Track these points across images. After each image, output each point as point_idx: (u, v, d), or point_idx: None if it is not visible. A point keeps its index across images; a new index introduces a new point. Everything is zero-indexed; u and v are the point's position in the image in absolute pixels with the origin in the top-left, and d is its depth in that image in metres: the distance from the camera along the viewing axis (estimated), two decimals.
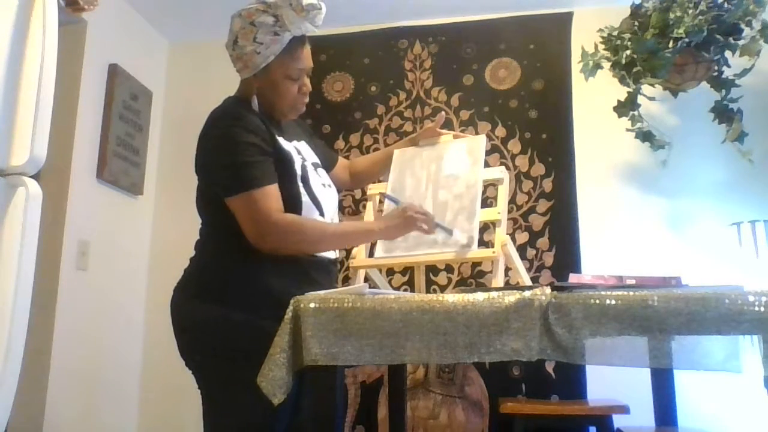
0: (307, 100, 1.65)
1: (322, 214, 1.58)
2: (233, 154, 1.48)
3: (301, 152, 1.64)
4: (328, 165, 1.85)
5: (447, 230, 1.65)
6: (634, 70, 2.36)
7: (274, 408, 1.34)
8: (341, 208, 2.93)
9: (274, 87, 1.58)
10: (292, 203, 1.52)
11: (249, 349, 1.40)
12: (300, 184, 1.54)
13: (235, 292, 1.48)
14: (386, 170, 1.96)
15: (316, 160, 1.71)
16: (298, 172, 1.55)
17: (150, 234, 3.07)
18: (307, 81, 1.63)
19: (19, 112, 1.29)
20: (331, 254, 1.63)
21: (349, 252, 2.83)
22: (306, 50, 1.59)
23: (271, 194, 1.47)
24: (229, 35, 1.57)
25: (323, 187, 1.62)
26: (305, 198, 1.53)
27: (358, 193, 2.93)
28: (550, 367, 2.62)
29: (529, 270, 2.68)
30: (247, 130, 1.50)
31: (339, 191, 2.55)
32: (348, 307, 1.28)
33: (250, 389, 1.35)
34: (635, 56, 2.37)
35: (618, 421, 2.16)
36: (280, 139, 1.57)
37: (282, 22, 1.51)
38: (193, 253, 1.61)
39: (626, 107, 2.53)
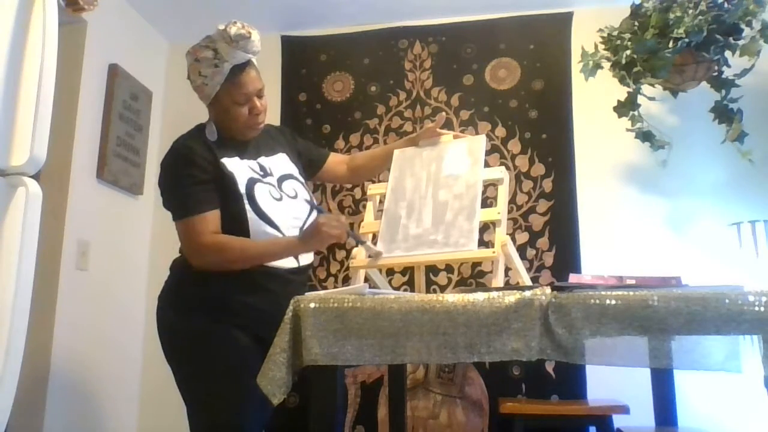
0: (262, 119, 1.78)
1: (274, 226, 1.69)
2: (174, 185, 1.71)
3: (265, 168, 1.77)
4: (314, 166, 2.00)
5: (360, 240, 1.76)
6: (634, 70, 2.36)
7: (237, 409, 1.59)
8: (342, 209, 2.94)
9: (226, 112, 1.73)
10: (239, 219, 1.67)
11: (200, 350, 1.64)
12: (245, 202, 1.67)
13: (193, 301, 1.67)
14: (385, 167, 1.98)
15: (290, 171, 1.83)
16: (243, 191, 1.67)
17: (150, 234, 3.07)
18: (258, 102, 1.75)
19: (19, 112, 1.29)
20: (288, 264, 1.72)
21: (349, 252, 2.83)
22: (248, 76, 1.71)
23: (205, 220, 1.65)
24: (187, 71, 1.75)
25: (276, 201, 1.72)
26: (251, 214, 1.67)
27: (358, 193, 2.93)
28: (550, 367, 2.62)
29: (529, 270, 2.67)
30: (188, 161, 1.68)
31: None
32: (348, 307, 1.29)
33: (211, 390, 1.61)
34: (635, 56, 2.36)
35: (618, 421, 2.16)
36: (229, 161, 1.71)
37: (220, 55, 1.66)
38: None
39: (626, 107, 2.52)
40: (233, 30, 1.64)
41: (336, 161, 2.06)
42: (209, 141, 1.73)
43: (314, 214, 1.80)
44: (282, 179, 1.79)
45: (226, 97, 1.71)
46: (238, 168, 1.71)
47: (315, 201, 1.85)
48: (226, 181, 1.68)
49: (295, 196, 1.78)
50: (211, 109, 1.77)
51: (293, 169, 1.86)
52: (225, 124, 1.76)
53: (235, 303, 1.66)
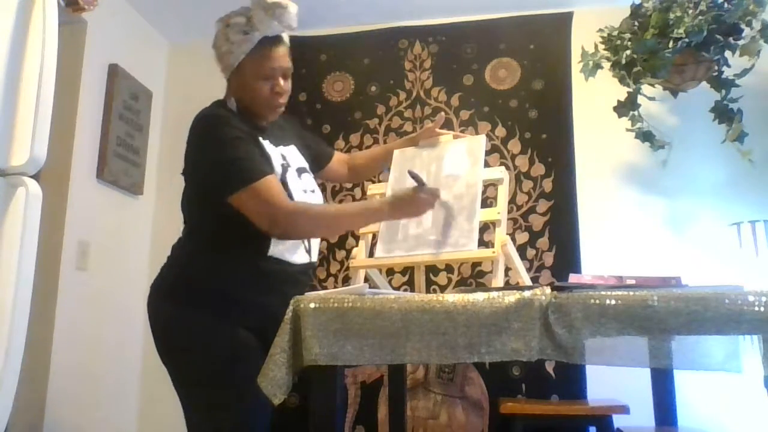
0: (283, 101, 1.65)
1: None
2: (224, 151, 1.51)
3: (286, 158, 1.65)
4: (321, 162, 1.90)
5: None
6: (634, 70, 2.36)
7: (247, 416, 1.48)
8: None
9: (247, 87, 1.60)
10: None
11: (204, 350, 1.50)
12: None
13: (198, 293, 1.53)
14: (385, 167, 1.97)
15: (303, 164, 1.73)
16: (278, 175, 1.56)
17: (150, 234, 3.08)
18: (282, 82, 1.62)
19: (19, 112, 1.29)
20: (301, 259, 1.62)
21: (349, 252, 2.83)
22: (279, 51, 1.60)
23: (273, 183, 1.50)
24: (214, 38, 1.64)
25: (304, 193, 1.63)
26: None
27: (358, 193, 2.93)
28: (550, 367, 2.62)
29: (529, 270, 2.67)
30: (231, 126, 1.54)
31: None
32: (348, 307, 1.28)
33: (215, 395, 1.49)
34: (635, 56, 2.36)
35: (618, 421, 2.16)
36: (264, 142, 1.60)
37: (252, 23, 1.55)
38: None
39: (626, 107, 2.53)
40: None
41: (339, 161, 1.99)
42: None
43: None
44: (300, 172, 1.68)
45: (250, 68, 1.58)
46: (272, 151, 1.60)
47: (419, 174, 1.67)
48: (266, 161, 1.55)
49: (314, 191, 1.69)
50: (231, 83, 1.63)
51: (305, 163, 1.74)
52: (244, 103, 1.62)
53: (247, 301, 1.53)
